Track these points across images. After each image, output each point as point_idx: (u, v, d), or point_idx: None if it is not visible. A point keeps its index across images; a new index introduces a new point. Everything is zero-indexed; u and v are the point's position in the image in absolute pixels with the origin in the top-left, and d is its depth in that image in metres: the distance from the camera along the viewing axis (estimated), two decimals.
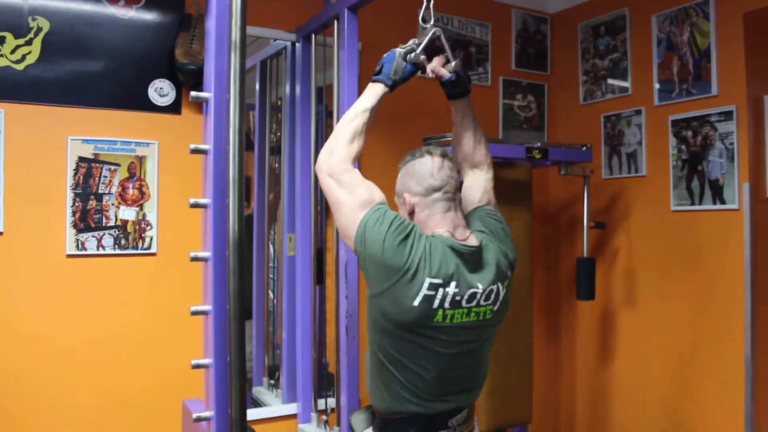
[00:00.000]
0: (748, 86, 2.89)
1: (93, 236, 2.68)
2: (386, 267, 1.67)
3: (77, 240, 2.65)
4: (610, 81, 3.55)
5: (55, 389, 2.61)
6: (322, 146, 2.88)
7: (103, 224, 2.70)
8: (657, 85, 3.27)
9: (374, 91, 1.89)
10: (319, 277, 2.88)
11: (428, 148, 1.84)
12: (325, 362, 2.97)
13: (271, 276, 3.30)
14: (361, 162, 2.50)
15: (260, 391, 3.22)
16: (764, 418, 2.86)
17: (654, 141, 3.31)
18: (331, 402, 2.84)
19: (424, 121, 3.19)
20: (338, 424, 2.63)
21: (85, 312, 2.68)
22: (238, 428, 1.77)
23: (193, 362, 1.96)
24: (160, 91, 2.80)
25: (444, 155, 1.82)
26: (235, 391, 1.77)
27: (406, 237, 1.69)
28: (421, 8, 2.01)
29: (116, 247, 2.72)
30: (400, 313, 1.68)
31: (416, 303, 1.66)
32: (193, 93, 1.90)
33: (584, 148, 3.20)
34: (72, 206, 2.65)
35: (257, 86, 3.31)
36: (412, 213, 1.80)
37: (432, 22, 1.96)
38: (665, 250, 3.26)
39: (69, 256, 2.65)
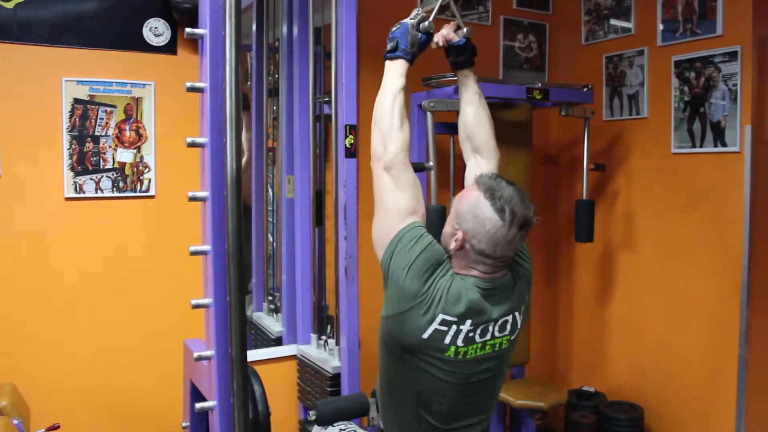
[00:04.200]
0: (754, 26, 2.84)
1: (91, 179, 2.67)
2: (403, 291, 1.61)
3: (75, 183, 2.64)
4: (612, 21, 3.49)
5: (55, 331, 2.64)
6: (320, 88, 2.90)
7: (101, 167, 2.69)
8: (660, 26, 3.21)
9: (399, 69, 1.82)
10: (318, 219, 2.88)
11: (513, 205, 1.60)
12: (324, 304, 2.99)
13: (270, 219, 3.30)
14: (360, 106, 2.49)
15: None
16: (757, 359, 2.90)
17: (656, 82, 3.27)
18: (331, 344, 2.86)
19: (424, 60, 3.13)
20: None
21: (84, 254, 2.69)
22: (239, 366, 1.79)
23: (193, 302, 1.97)
24: (155, 30, 2.75)
25: (525, 223, 1.61)
26: (235, 330, 1.78)
27: (435, 268, 1.63)
28: None
29: (114, 189, 2.72)
30: (406, 339, 1.63)
31: (425, 336, 1.61)
32: (188, 29, 1.85)
33: (585, 89, 3.16)
34: (69, 149, 2.63)
35: (254, 27, 3.24)
36: (458, 249, 1.66)
37: None
38: (665, 193, 3.25)
39: (67, 199, 2.65)
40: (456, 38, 1.92)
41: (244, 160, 3.23)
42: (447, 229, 1.71)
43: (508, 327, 1.72)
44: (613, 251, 3.54)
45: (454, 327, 1.62)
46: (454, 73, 2.01)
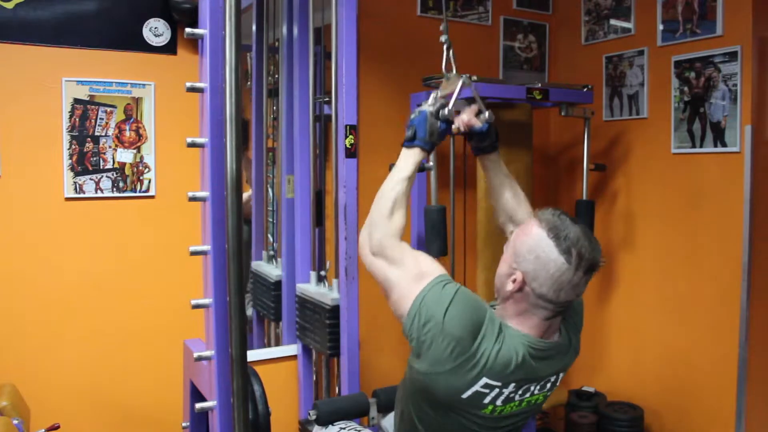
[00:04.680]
0: (754, 26, 2.84)
1: (91, 179, 2.67)
2: (444, 353, 1.49)
3: (75, 183, 2.64)
4: (612, 21, 3.49)
5: (55, 331, 2.64)
6: (320, 88, 2.90)
7: (101, 167, 2.69)
8: (660, 26, 3.21)
9: (413, 158, 1.76)
10: (318, 219, 2.88)
11: (580, 247, 1.47)
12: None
13: (270, 219, 3.30)
14: (360, 107, 2.49)
15: None
16: (757, 359, 2.90)
17: (656, 82, 3.27)
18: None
19: (425, 60, 3.14)
20: (338, 365, 2.66)
21: (84, 255, 2.69)
22: (239, 367, 1.79)
23: (193, 302, 1.97)
24: (155, 30, 2.75)
25: (592, 267, 1.50)
26: (235, 330, 1.78)
27: (475, 321, 1.51)
28: (443, 58, 1.96)
29: (114, 189, 2.72)
30: (442, 396, 1.55)
31: (464, 396, 1.52)
32: (188, 29, 1.85)
33: (585, 90, 3.15)
34: (69, 149, 2.63)
35: (254, 27, 3.24)
36: (516, 291, 1.55)
37: (455, 71, 1.90)
38: (665, 193, 3.25)
39: (67, 199, 2.65)
40: (478, 124, 1.82)
41: (245, 197, 3.21)
42: (502, 268, 1.59)
43: (549, 385, 1.65)
44: (613, 251, 3.54)
45: (497, 390, 1.54)
46: (478, 160, 1.93)
